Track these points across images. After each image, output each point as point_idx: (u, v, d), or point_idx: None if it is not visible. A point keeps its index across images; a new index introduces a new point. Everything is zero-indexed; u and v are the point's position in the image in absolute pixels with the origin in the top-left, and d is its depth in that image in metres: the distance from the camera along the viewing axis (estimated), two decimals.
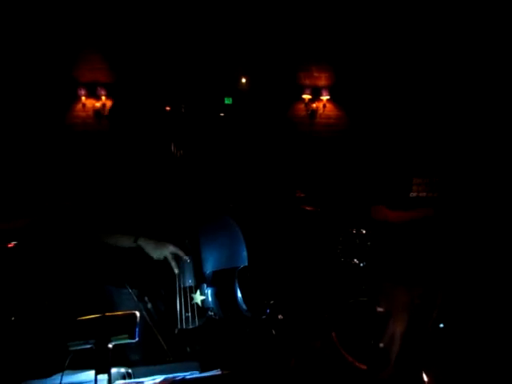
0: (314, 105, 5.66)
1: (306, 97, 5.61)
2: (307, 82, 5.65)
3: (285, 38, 5.36)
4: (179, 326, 1.50)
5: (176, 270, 1.51)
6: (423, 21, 5.16)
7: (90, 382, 1.12)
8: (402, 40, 5.24)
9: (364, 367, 2.53)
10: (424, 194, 2.22)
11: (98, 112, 5.34)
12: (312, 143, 5.66)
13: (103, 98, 5.29)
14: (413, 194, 2.22)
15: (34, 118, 5.11)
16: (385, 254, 2.28)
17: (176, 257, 1.51)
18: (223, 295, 1.58)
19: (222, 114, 5.38)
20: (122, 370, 1.27)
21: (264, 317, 1.60)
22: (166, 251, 1.50)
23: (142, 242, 1.51)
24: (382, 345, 2.12)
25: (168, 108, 1.67)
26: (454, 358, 2.58)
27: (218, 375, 1.16)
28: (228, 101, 5.42)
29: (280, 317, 1.62)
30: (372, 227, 3.02)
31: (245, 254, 1.63)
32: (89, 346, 1.09)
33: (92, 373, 1.09)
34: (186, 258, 1.53)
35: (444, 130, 2.31)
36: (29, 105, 5.09)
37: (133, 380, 1.24)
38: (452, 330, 2.63)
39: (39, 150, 5.06)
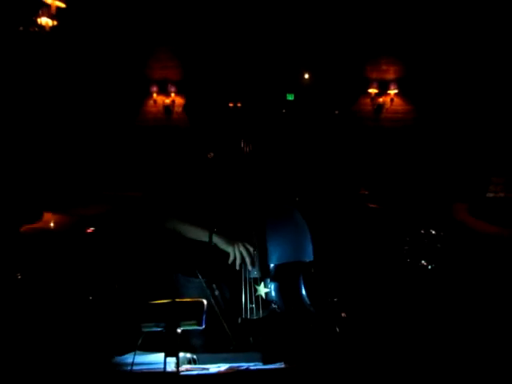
0: (381, 99, 5.46)
1: (373, 91, 5.43)
2: (374, 75, 5.45)
3: (352, 30, 5.21)
4: (243, 316, 1.53)
5: (250, 267, 1.54)
6: (497, 11, 4.75)
7: (159, 363, 1.17)
8: (476, 30, 4.86)
9: None
10: (502, 194, 2.05)
11: (167, 108, 5.58)
12: (377, 139, 5.46)
13: (173, 94, 5.52)
14: (489, 195, 2.05)
15: (112, 113, 5.48)
16: (459, 260, 2.14)
17: (248, 254, 1.53)
18: (287, 289, 1.58)
19: (283, 111, 5.37)
20: (188, 355, 1.32)
21: (327, 313, 1.58)
22: (239, 249, 1.52)
23: (216, 240, 1.55)
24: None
25: (231, 104, 1.70)
26: None
27: (282, 368, 1.16)
28: (290, 97, 5.39)
29: (343, 315, 1.59)
30: (444, 228, 2.85)
31: (311, 248, 1.62)
32: (159, 329, 1.14)
33: (161, 355, 1.14)
34: (254, 252, 1.54)
35: None
36: (108, 101, 5.46)
37: (198, 365, 1.28)
38: None
39: (116, 142, 5.42)
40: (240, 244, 1.52)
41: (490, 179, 2.05)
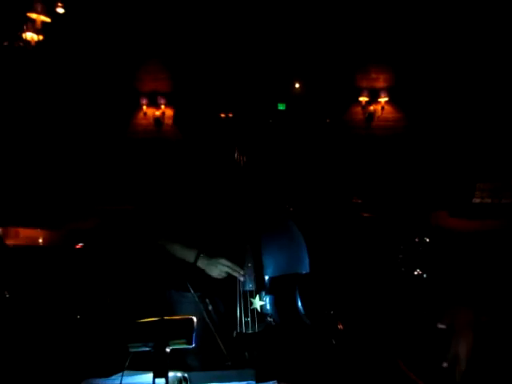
0: (372, 107, 5.49)
1: (363, 99, 5.45)
2: (364, 84, 5.49)
3: (341, 38, 5.25)
4: (238, 330, 1.49)
5: (242, 278, 1.53)
6: (487, 19, 4.82)
7: None
8: (465, 37, 4.93)
9: None
10: (489, 200, 2.03)
11: (157, 120, 5.56)
12: (369, 147, 5.47)
13: (163, 106, 5.50)
14: (476, 201, 2.04)
15: (102, 126, 5.43)
16: (447, 265, 2.11)
17: (234, 269, 1.53)
18: (282, 302, 1.55)
19: (270, 120, 5.37)
20: (179, 374, 1.27)
21: (324, 326, 1.55)
22: (223, 268, 1.52)
23: (201, 263, 1.55)
24: (445, 365, 1.94)
25: (223, 115, 1.68)
26: None
27: None
28: (281, 106, 5.40)
29: (340, 327, 1.55)
30: (435, 235, 2.83)
31: (307, 260, 1.58)
32: (148, 349, 1.09)
33: (150, 375, 1.09)
34: (241, 272, 1.54)
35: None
36: (98, 114, 5.42)
37: None
38: None
39: (106, 155, 5.37)
40: (221, 263, 1.52)
41: (476, 185, 2.04)
